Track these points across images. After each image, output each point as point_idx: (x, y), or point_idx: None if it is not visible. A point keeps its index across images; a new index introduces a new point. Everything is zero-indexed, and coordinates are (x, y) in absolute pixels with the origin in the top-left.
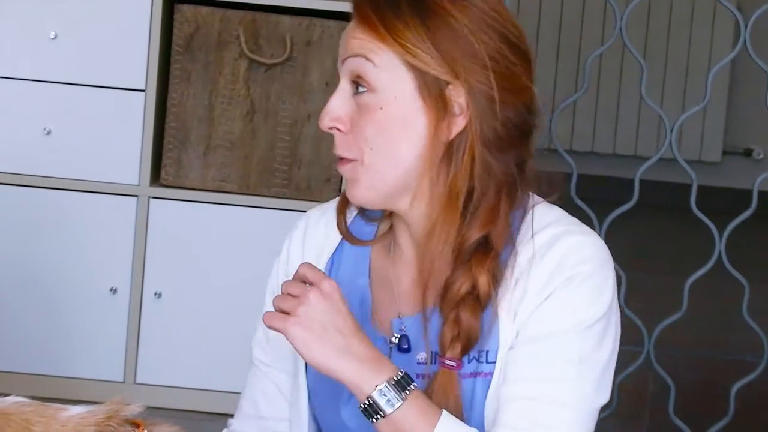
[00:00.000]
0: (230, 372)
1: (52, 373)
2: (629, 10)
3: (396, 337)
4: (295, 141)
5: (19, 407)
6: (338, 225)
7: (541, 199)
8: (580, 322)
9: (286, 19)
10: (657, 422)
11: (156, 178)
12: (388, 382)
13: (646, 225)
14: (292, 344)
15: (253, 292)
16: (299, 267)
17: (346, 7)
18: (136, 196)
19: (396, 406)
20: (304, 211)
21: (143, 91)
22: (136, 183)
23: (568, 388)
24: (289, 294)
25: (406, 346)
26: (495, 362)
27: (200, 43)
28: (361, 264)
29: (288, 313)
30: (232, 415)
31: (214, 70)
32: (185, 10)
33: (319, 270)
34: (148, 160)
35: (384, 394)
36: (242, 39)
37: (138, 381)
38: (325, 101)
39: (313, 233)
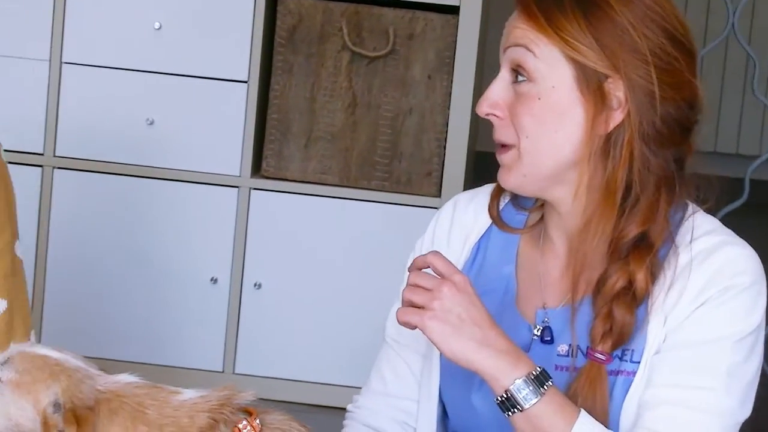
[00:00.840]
0: (329, 364)
1: (153, 361)
2: (743, 4)
3: (539, 329)
4: (396, 134)
5: (133, 389)
6: (490, 209)
7: (699, 208)
8: (732, 333)
9: (389, 12)
10: None
11: (257, 169)
12: (527, 376)
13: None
14: (429, 338)
15: (353, 283)
16: (428, 256)
17: (450, 0)
18: (237, 187)
19: (533, 402)
20: (405, 205)
21: (245, 82)
22: (238, 174)
23: (715, 398)
24: (419, 287)
25: (549, 338)
26: (639, 362)
27: (303, 35)
28: (508, 252)
29: (421, 307)
30: (331, 407)
31: (317, 62)
32: (288, 2)
33: (450, 262)
34: (249, 151)
35: (522, 389)
36: (345, 31)
37: (237, 371)
38: (426, 95)
39: (461, 216)
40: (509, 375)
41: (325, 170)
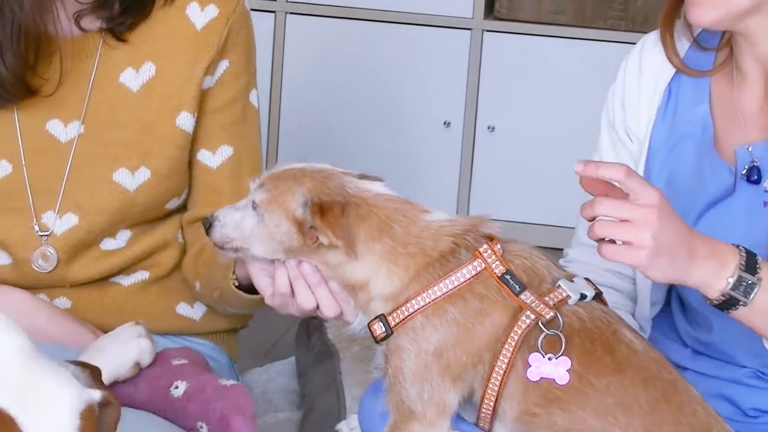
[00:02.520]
0: (563, 206)
1: None
2: None
3: (745, 168)
4: None
5: (385, 201)
6: (669, 58)
7: None
8: None
9: None
10: None
11: (490, 10)
12: (738, 268)
13: None
14: (648, 276)
15: (587, 125)
16: (617, 173)
17: None
18: (469, 29)
19: (754, 293)
20: None
21: None
22: (470, 16)
23: None
24: (618, 219)
25: (756, 177)
26: None
27: None
28: (700, 91)
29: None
30: (561, 249)
31: None
32: None
33: (639, 175)
34: None
35: (738, 287)
36: None
37: (470, 214)
38: None
39: (649, 61)
40: (721, 278)
41: (559, 10)
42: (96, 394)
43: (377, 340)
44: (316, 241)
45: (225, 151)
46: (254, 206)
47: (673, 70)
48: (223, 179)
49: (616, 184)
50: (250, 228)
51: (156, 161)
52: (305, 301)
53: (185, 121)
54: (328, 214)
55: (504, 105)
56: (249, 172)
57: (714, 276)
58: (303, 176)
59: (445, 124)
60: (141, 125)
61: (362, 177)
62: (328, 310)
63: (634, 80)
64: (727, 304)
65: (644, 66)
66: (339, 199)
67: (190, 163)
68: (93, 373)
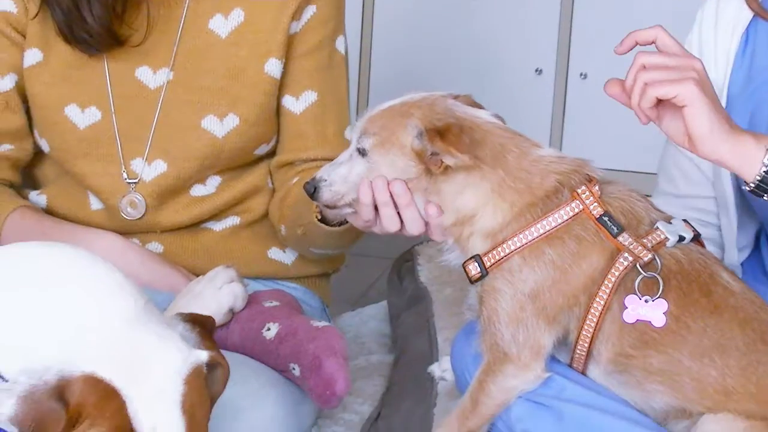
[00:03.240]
0: (651, 153)
1: None
2: None
3: None
4: None
5: (497, 129)
6: (748, 4)
7: None
8: None
9: None
10: None
11: None
12: None
13: None
14: (690, 110)
15: None
16: (656, 30)
17: None
18: None
19: None
20: None
21: None
22: None
23: None
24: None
25: None
26: None
27: None
28: None
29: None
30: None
31: None
32: None
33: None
34: None
35: None
36: None
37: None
38: None
39: (724, 9)
40: (757, 158)
41: None
42: (203, 356)
43: (472, 281)
44: (442, 166)
45: (309, 97)
46: (362, 153)
47: (749, 17)
48: (307, 125)
49: (654, 47)
50: (362, 175)
51: (244, 108)
52: (390, 224)
53: (273, 67)
54: (447, 135)
55: (596, 52)
56: (333, 119)
57: (752, 154)
58: (409, 108)
59: (537, 71)
60: (229, 72)
61: (467, 102)
62: (414, 228)
63: (711, 28)
64: (761, 189)
65: (720, 16)
66: (452, 121)
67: (277, 109)
68: (203, 330)
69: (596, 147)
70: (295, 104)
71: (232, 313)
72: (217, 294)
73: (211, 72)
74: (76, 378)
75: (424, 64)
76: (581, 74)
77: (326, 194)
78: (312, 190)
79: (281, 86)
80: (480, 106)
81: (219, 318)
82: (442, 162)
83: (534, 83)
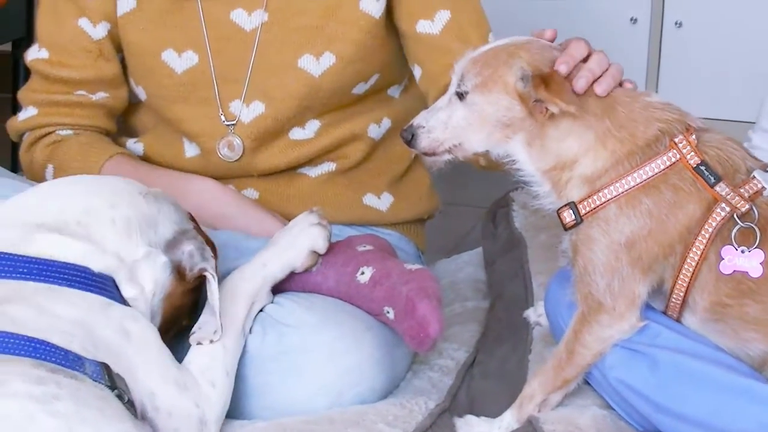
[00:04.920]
0: (748, 102)
1: None
2: None
3: None
4: None
5: (626, 96)
6: None
7: None
8: None
9: None
10: None
11: None
12: None
13: None
14: None
15: None
16: None
17: None
18: None
19: None
20: None
21: None
22: None
23: None
24: None
25: None
26: None
27: None
28: None
29: None
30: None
31: None
32: None
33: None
34: None
35: None
36: None
37: None
38: None
39: None
40: None
41: None
42: None
43: (566, 228)
44: (547, 114)
45: (443, 16)
46: (461, 96)
47: None
48: (451, 41)
49: None
50: (462, 118)
51: (340, 46)
52: None
53: (369, 4)
54: (552, 83)
55: (692, 0)
56: (473, 29)
57: None
58: (516, 49)
59: (631, 20)
60: (324, 10)
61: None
62: None
63: None
64: None
65: None
66: (561, 72)
67: (413, 41)
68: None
69: (692, 96)
70: (431, 26)
71: (317, 255)
72: (294, 239)
73: (306, 11)
74: None
75: (517, 12)
76: (676, 23)
77: (424, 141)
78: (409, 137)
79: (410, 16)
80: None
81: (300, 261)
82: (547, 110)
83: (629, 32)
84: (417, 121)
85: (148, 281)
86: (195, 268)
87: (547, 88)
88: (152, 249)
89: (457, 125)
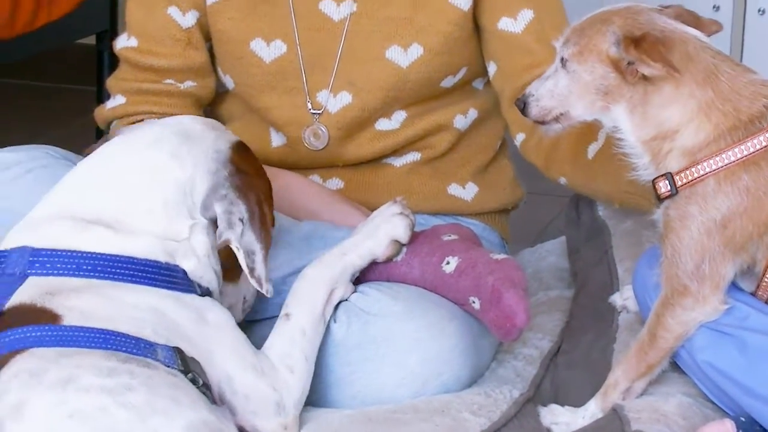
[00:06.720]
0: None
1: None
2: None
3: None
4: None
5: (709, 48)
6: None
7: None
8: None
9: None
10: None
11: None
12: None
13: None
14: None
15: None
16: None
17: None
18: None
19: None
20: None
21: None
22: None
23: None
24: None
25: None
26: None
27: None
28: None
29: None
30: None
31: None
32: None
33: None
34: None
35: None
36: None
37: None
38: None
39: None
40: None
41: None
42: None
43: (660, 199)
44: (637, 75)
45: (526, 15)
46: (564, 64)
47: None
48: (531, 42)
49: None
50: (565, 87)
51: (428, 37)
52: None
53: None
54: (642, 44)
55: None
56: (556, 33)
57: None
58: (611, 16)
59: (714, 8)
60: (413, 2)
61: (677, 14)
62: None
63: None
64: None
65: None
66: (655, 33)
67: (493, 37)
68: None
69: None
70: (513, 24)
71: (399, 244)
72: (375, 230)
73: (394, 2)
74: None
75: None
76: (759, 10)
77: (534, 110)
78: (522, 106)
79: (493, 11)
80: (696, 17)
81: (381, 249)
82: (638, 71)
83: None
84: (529, 89)
85: (200, 249)
86: (221, 236)
87: (636, 47)
88: (193, 220)
89: (561, 93)
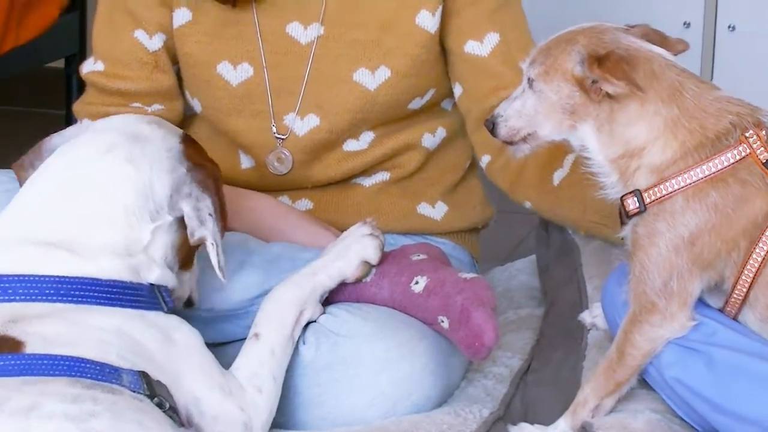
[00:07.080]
0: None
1: None
2: None
3: None
4: None
5: (673, 66)
6: None
7: None
8: None
9: None
10: None
11: None
12: None
13: None
14: None
15: None
16: None
17: None
18: None
19: None
20: None
21: None
22: None
23: None
24: None
25: None
26: None
27: None
28: None
29: None
30: None
31: None
32: None
33: None
34: None
35: None
36: None
37: None
38: None
39: None
40: None
41: None
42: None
43: (628, 216)
44: (601, 93)
45: (492, 39)
46: (531, 84)
47: None
48: (498, 65)
49: None
50: (532, 107)
51: (396, 60)
52: None
53: (425, 19)
54: (606, 62)
55: (745, 3)
56: (522, 56)
57: None
58: (576, 35)
59: (684, 24)
60: (380, 24)
61: (644, 33)
62: None
63: None
64: None
65: None
66: (619, 51)
67: (459, 60)
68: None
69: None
70: (479, 48)
71: (369, 265)
72: (345, 250)
73: (362, 25)
74: None
75: (566, 17)
76: (730, 26)
77: (503, 130)
78: (491, 127)
79: (460, 34)
80: (663, 37)
81: (351, 270)
82: (602, 90)
83: (682, 36)
84: (497, 109)
85: (159, 251)
86: (194, 234)
87: (599, 66)
88: (155, 223)
89: (529, 113)
